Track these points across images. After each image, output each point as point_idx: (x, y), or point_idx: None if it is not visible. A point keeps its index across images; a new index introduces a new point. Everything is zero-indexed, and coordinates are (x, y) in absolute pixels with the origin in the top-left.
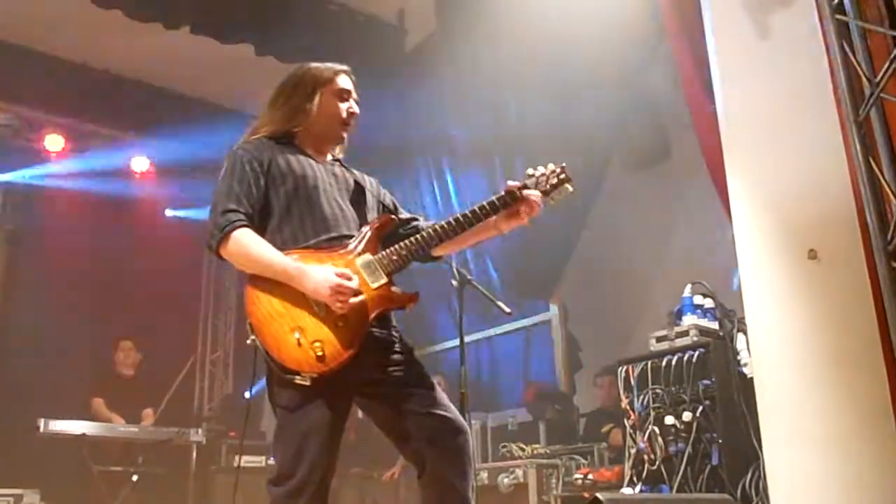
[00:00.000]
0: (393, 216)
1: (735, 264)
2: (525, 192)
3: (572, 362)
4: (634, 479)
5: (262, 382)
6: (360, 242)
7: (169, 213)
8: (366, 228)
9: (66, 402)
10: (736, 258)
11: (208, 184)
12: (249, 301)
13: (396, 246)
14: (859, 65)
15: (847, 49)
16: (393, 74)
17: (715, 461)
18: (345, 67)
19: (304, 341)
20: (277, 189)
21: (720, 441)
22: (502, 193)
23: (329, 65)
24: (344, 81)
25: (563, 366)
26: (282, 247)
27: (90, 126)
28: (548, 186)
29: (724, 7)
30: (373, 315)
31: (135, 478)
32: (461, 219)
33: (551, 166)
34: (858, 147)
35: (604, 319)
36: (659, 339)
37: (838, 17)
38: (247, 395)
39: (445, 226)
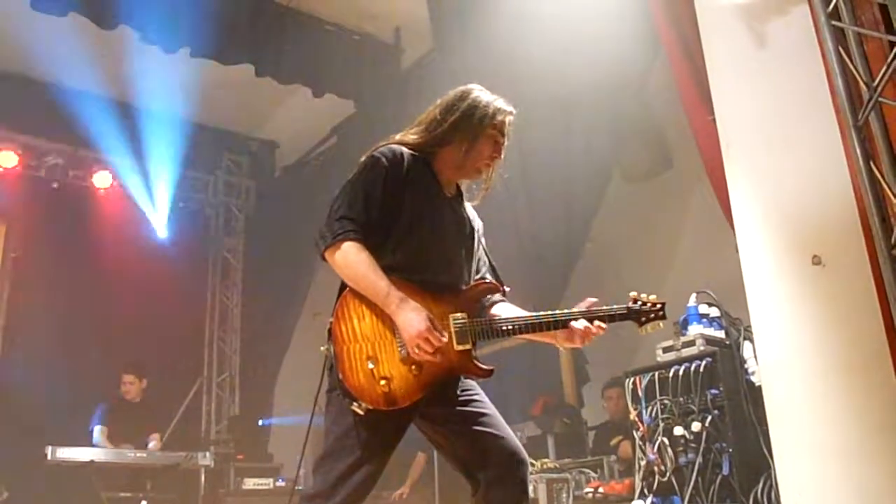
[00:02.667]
0: (499, 287)
1: (740, 272)
2: (595, 321)
3: (579, 375)
4: (645, 491)
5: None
6: (461, 299)
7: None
8: (471, 287)
9: (73, 429)
10: (740, 266)
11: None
12: (340, 312)
13: (493, 323)
14: (857, 70)
15: (844, 55)
16: (390, 93)
17: (726, 471)
18: (512, 110)
19: (376, 373)
20: (404, 210)
21: (730, 451)
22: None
23: (502, 105)
24: (506, 129)
25: (570, 379)
26: (388, 270)
27: (89, 152)
28: (643, 318)
29: (719, 16)
30: (445, 375)
31: (143, 503)
32: (558, 318)
33: (654, 297)
34: (859, 151)
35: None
36: (665, 350)
37: (834, 23)
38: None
39: (543, 322)
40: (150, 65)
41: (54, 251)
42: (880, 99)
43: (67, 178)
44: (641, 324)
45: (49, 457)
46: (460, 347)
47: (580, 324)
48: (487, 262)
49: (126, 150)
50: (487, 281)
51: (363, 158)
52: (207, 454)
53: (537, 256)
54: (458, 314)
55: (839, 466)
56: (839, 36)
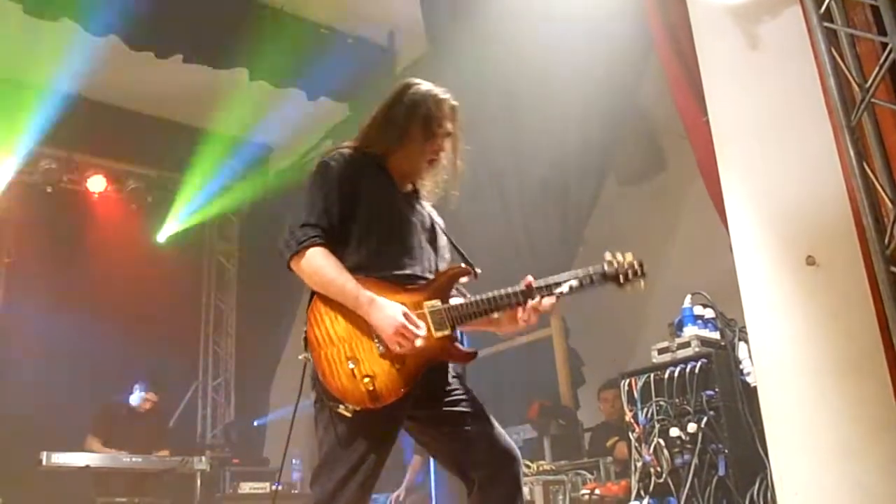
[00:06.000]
0: (471, 268)
1: (734, 273)
2: (544, 300)
3: (575, 377)
4: (642, 492)
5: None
6: (432, 287)
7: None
8: (442, 274)
9: (69, 434)
10: (735, 267)
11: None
12: (312, 318)
13: (468, 301)
14: (849, 71)
15: (836, 56)
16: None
17: (722, 472)
18: (449, 98)
19: (357, 373)
20: (361, 209)
21: (726, 451)
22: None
23: (440, 96)
24: (451, 124)
25: (565, 381)
26: (355, 269)
27: (84, 156)
28: (621, 278)
29: (712, 18)
30: (428, 364)
31: None
32: (532, 290)
33: (630, 256)
34: (852, 152)
35: (605, 333)
36: (661, 351)
37: (826, 24)
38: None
39: (518, 293)
40: (145, 69)
41: (49, 256)
42: (873, 100)
43: (61, 183)
44: (621, 284)
45: (44, 462)
46: (440, 334)
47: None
48: (456, 250)
49: (119, 153)
50: (457, 265)
51: (314, 166)
52: (203, 458)
53: (531, 259)
54: (432, 302)
55: (835, 466)
56: (831, 37)
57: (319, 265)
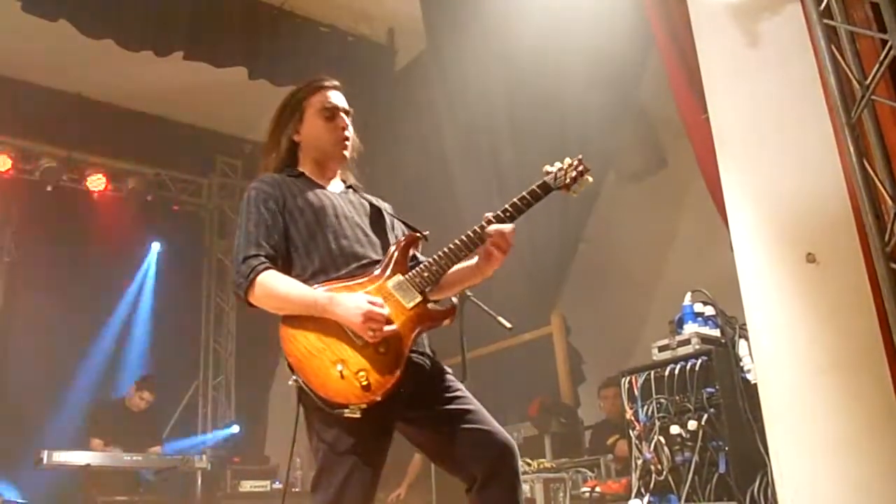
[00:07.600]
0: (419, 234)
1: (735, 270)
2: (494, 226)
3: (575, 375)
4: (642, 490)
5: None
6: (388, 264)
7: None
8: (392, 249)
9: (69, 433)
10: (735, 264)
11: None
12: (285, 341)
13: (426, 262)
14: (849, 68)
15: (836, 53)
16: (384, 93)
17: (722, 469)
18: (331, 83)
19: (348, 373)
20: (297, 223)
21: (727, 449)
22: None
23: (316, 81)
24: (328, 97)
25: (566, 379)
26: (311, 280)
27: (84, 155)
28: (568, 180)
29: (712, 15)
30: (413, 336)
31: None
32: (477, 231)
33: (568, 160)
34: (852, 149)
35: (605, 331)
36: (661, 349)
37: (826, 21)
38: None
39: (473, 232)
40: (145, 68)
41: (49, 254)
42: (873, 97)
43: (62, 182)
44: (569, 188)
45: (44, 461)
46: (412, 304)
47: (494, 228)
48: (403, 225)
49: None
50: (403, 237)
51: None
52: (204, 457)
53: (532, 257)
54: (393, 278)
55: (835, 463)
56: (831, 34)
57: (271, 287)
